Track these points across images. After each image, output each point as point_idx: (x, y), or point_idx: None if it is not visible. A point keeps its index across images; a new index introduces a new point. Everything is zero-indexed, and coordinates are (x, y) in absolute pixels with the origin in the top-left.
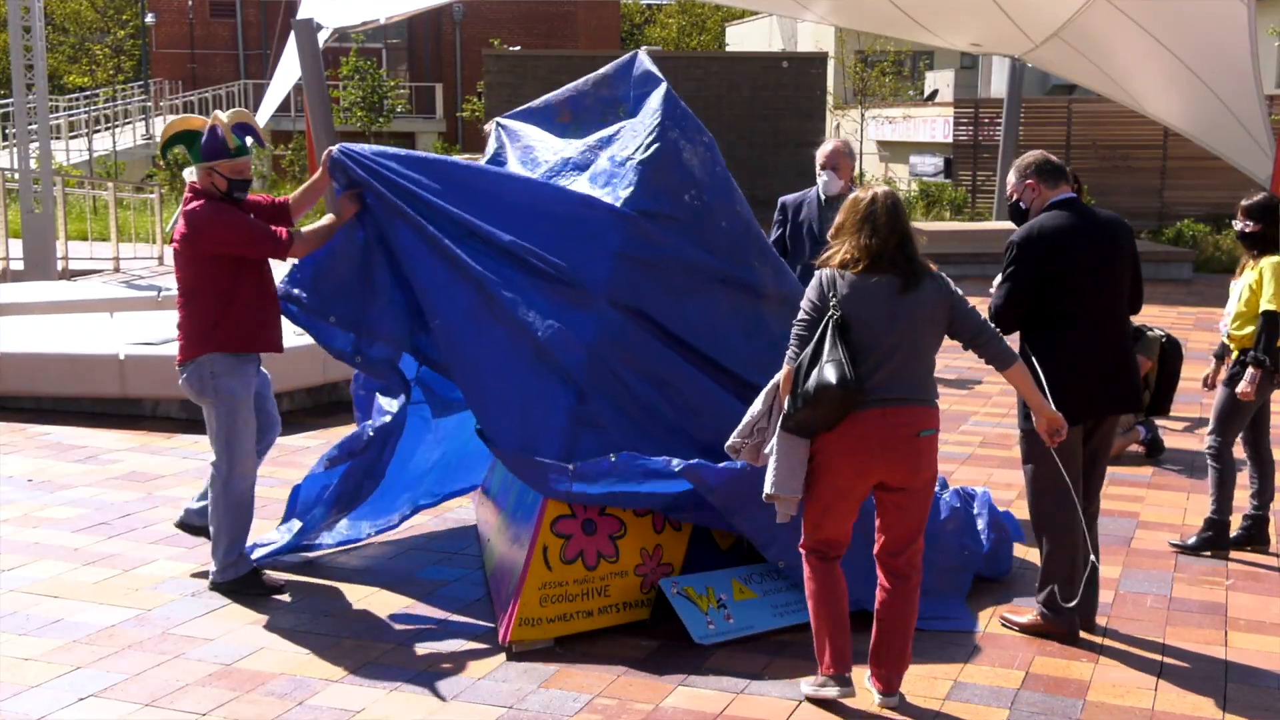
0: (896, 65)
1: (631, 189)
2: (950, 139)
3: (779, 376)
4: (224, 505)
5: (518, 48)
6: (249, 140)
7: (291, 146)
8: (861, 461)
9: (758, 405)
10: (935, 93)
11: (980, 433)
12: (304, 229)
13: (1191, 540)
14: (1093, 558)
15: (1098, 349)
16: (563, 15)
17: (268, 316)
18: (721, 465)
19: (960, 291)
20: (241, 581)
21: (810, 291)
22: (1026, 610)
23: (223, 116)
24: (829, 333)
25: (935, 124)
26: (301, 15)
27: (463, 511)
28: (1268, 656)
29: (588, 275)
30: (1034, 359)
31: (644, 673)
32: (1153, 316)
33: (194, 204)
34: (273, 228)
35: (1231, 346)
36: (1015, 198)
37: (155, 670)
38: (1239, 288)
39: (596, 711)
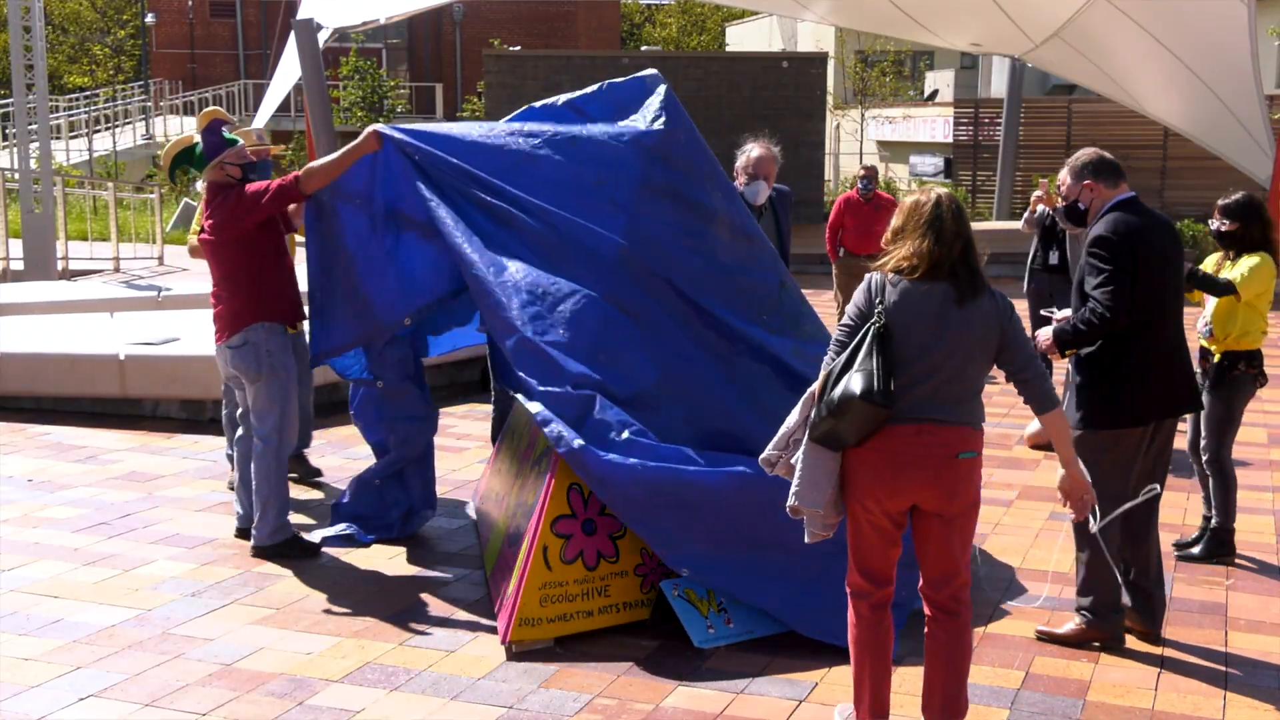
0: (897, 65)
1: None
2: (950, 139)
3: (815, 385)
4: (276, 474)
5: (518, 48)
6: (226, 130)
7: (291, 146)
8: (891, 480)
9: (794, 416)
10: (935, 93)
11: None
12: (312, 164)
13: (1197, 550)
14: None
15: (1169, 350)
16: (563, 15)
17: (295, 291)
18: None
19: (1019, 317)
20: (287, 544)
21: (857, 295)
22: (1064, 619)
23: (219, 110)
24: (867, 341)
25: (935, 124)
26: (301, 15)
27: (463, 511)
28: (1268, 656)
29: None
30: (1104, 360)
31: (644, 673)
32: None
33: (225, 196)
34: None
35: (1214, 350)
36: (1074, 198)
37: (155, 670)
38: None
39: (597, 711)
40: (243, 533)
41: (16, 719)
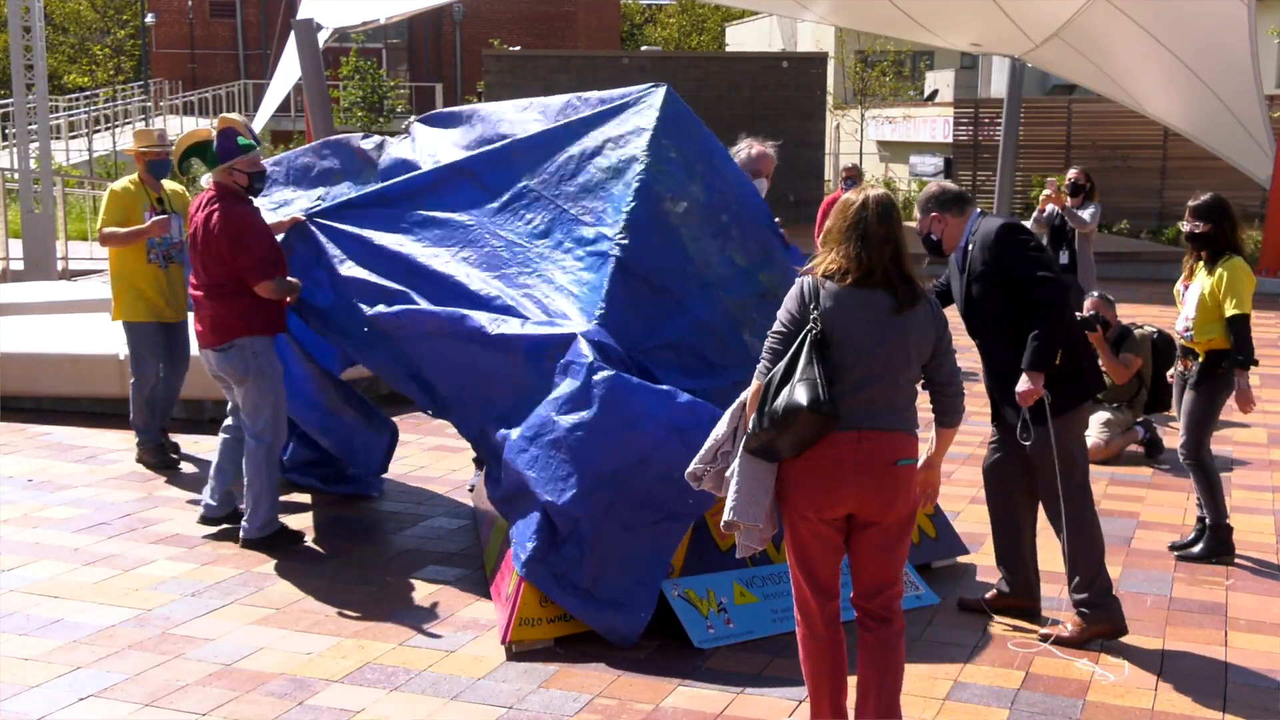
0: (897, 65)
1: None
2: (950, 139)
3: (745, 394)
4: (268, 471)
5: (518, 48)
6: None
7: (291, 146)
8: (830, 488)
9: (721, 427)
10: (935, 93)
11: (980, 432)
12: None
13: (1197, 549)
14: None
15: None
16: (563, 15)
17: (283, 303)
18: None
19: (949, 327)
20: (275, 536)
21: (789, 301)
22: (1064, 619)
23: (235, 117)
24: (805, 349)
25: (935, 124)
26: (301, 15)
27: (463, 511)
28: (1268, 657)
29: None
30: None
31: (644, 673)
32: (1154, 316)
33: (228, 204)
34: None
35: (1198, 351)
36: (925, 232)
37: (155, 670)
38: (1194, 292)
39: (596, 711)
40: (207, 520)
41: (16, 719)
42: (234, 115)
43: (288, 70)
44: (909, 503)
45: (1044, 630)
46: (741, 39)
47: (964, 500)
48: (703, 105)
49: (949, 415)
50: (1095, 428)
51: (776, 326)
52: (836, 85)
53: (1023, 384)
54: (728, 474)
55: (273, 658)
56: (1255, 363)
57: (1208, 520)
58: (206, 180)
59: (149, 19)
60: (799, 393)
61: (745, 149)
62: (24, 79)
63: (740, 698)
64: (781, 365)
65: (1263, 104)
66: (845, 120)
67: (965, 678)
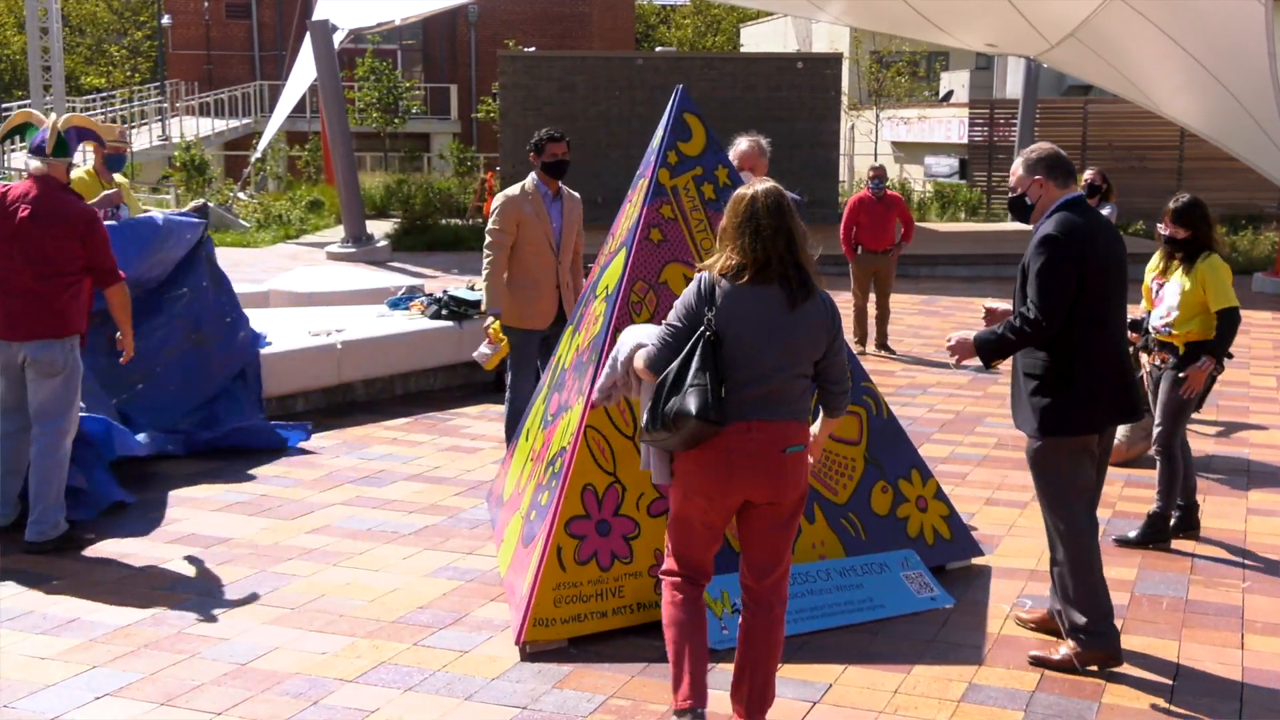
0: (912, 66)
1: None
2: (965, 140)
3: (636, 356)
4: (65, 462)
5: (532, 48)
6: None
7: (307, 147)
8: (722, 477)
9: (611, 368)
10: (950, 93)
11: (995, 434)
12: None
13: (1133, 534)
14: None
15: (1117, 355)
16: (577, 16)
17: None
18: None
19: (842, 325)
20: (63, 538)
21: (686, 295)
22: (1055, 644)
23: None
24: (698, 353)
25: (950, 125)
26: (317, 16)
27: (477, 512)
28: None
29: None
30: (1054, 366)
31: (658, 674)
32: None
33: (68, 194)
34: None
35: (1177, 344)
36: (1021, 191)
37: (171, 669)
38: (1174, 288)
39: (611, 712)
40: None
41: (33, 718)
42: (81, 117)
43: (303, 71)
44: (799, 487)
45: (1035, 653)
46: (756, 40)
47: (979, 502)
48: (717, 106)
49: (835, 410)
50: (1119, 430)
51: (672, 318)
52: (851, 86)
53: (960, 336)
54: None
55: (288, 657)
56: (1231, 356)
57: (1154, 508)
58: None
59: (165, 20)
60: (689, 401)
61: (734, 145)
62: (41, 80)
63: None
64: (675, 366)
65: None
66: (860, 121)
67: (980, 679)
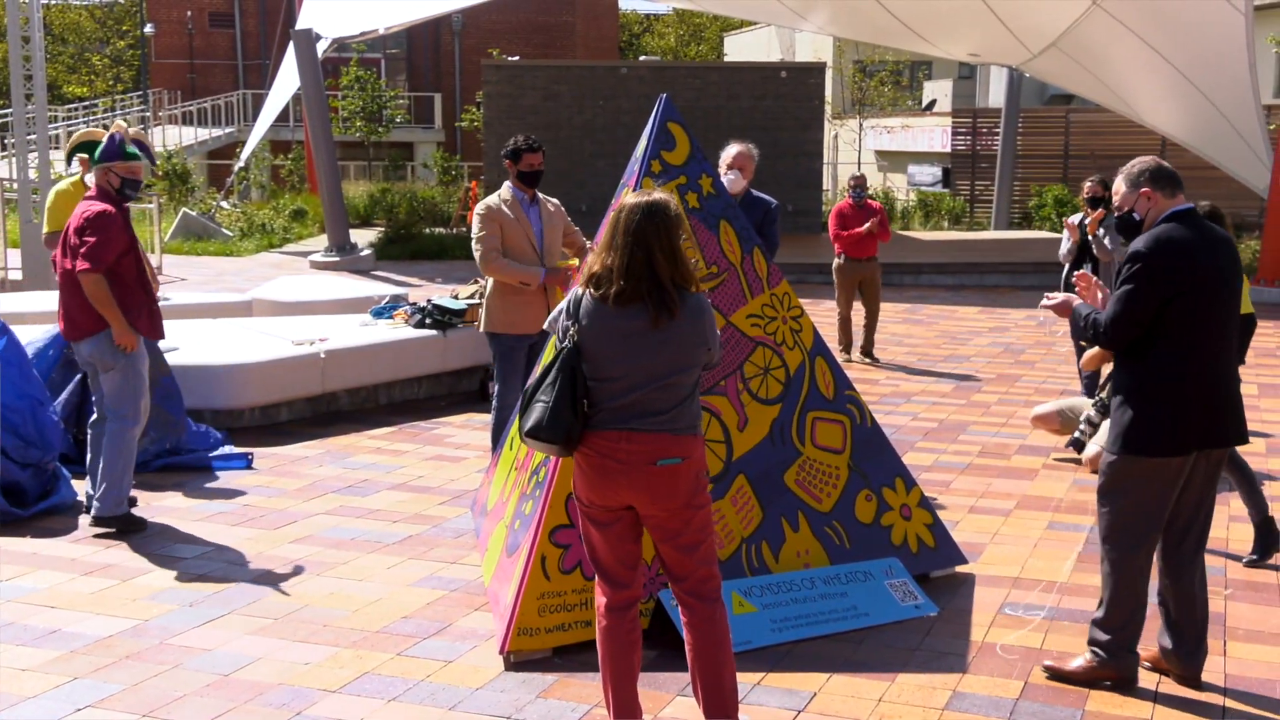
0: (895, 75)
1: None
2: (949, 149)
3: (559, 307)
4: (126, 452)
5: (516, 58)
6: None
7: (291, 156)
8: (602, 482)
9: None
10: (933, 102)
11: (979, 442)
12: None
13: (1254, 555)
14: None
15: (1214, 375)
16: (561, 25)
17: (145, 300)
18: None
19: (719, 339)
20: (124, 519)
21: (564, 303)
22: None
23: (131, 129)
24: (555, 369)
25: (933, 134)
26: (301, 25)
27: (461, 522)
28: (1267, 667)
29: None
30: (1141, 383)
31: (642, 683)
32: None
33: (91, 201)
34: (102, 258)
35: None
36: (1127, 209)
37: (153, 681)
38: None
39: None
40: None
41: None
42: (130, 127)
43: (287, 80)
44: (678, 498)
45: (1050, 663)
46: (740, 49)
47: (963, 510)
48: (701, 115)
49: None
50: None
51: (551, 316)
52: (835, 95)
53: (1066, 295)
54: None
55: (270, 668)
56: (1243, 362)
57: (1256, 519)
58: (89, 179)
59: (148, 29)
60: (531, 415)
61: (725, 151)
62: (23, 89)
63: (739, 707)
64: (534, 380)
65: (1260, 114)
66: (844, 130)
67: (964, 688)
